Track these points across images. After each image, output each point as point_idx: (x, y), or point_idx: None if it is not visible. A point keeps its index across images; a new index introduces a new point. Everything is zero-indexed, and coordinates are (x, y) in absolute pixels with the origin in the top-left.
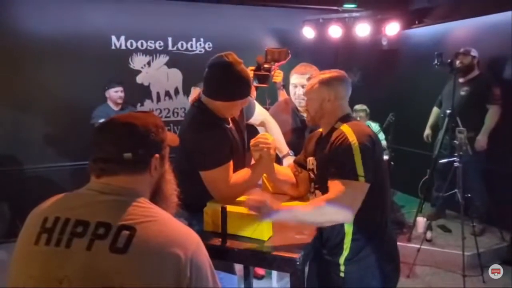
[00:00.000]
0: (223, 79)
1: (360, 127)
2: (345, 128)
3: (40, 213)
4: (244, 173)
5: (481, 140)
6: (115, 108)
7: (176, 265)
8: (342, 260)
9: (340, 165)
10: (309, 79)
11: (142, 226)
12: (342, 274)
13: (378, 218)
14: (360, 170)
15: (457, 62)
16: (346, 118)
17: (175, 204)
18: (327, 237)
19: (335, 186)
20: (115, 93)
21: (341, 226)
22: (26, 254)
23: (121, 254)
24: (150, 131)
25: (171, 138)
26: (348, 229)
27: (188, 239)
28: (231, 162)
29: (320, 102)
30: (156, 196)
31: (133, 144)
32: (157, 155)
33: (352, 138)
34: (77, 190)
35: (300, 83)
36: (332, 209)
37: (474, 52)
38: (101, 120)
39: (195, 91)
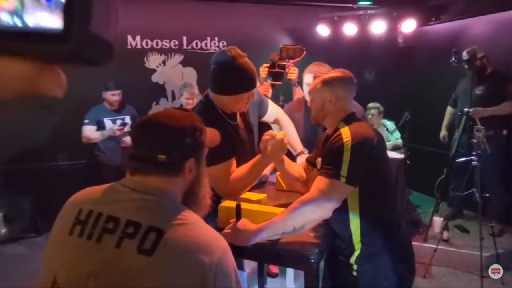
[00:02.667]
0: (227, 73)
1: (359, 129)
2: (344, 129)
3: (75, 204)
4: (243, 169)
5: (480, 111)
6: (112, 108)
7: (201, 272)
8: (353, 259)
9: (327, 163)
10: (315, 78)
11: (171, 229)
12: (355, 273)
13: (388, 218)
14: (344, 170)
15: (476, 61)
16: (350, 119)
17: (207, 207)
18: (337, 235)
19: (316, 184)
20: (112, 97)
21: (347, 225)
22: (60, 243)
23: (147, 256)
24: (186, 134)
25: (211, 139)
26: (355, 229)
27: (215, 245)
28: (232, 160)
29: (322, 102)
30: (188, 198)
31: (167, 146)
32: (192, 158)
33: (347, 139)
34: (112, 184)
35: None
36: (308, 208)
37: (480, 53)
38: (91, 125)
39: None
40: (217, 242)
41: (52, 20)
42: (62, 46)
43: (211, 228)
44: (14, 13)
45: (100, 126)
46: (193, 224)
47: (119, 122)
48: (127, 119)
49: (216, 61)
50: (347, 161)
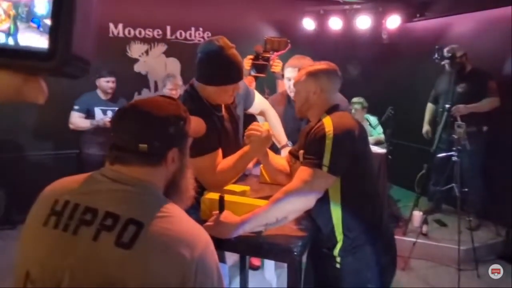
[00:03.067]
0: (214, 63)
1: (341, 119)
2: (326, 120)
3: (50, 194)
4: (229, 160)
5: (462, 108)
6: (104, 98)
7: (181, 267)
8: (336, 252)
9: (309, 153)
10: (299, 70)
11: (151, 222)
12: (338, 266)
13: (370, 210)
14: (326, 160)
15: (458, 55)
16: (332, 110)
17: (190, 199)
18: (319, 228)
19: (299, 174)
20: (106, 84)
21: (328, 217)
22: (35, 235)
23: (125, 250)
24: (169, 123)
25: (196, 129)
26: (337, 221)
27: (196, 239)
28: (217, 151)
29: (306, 94)
30: (171, 190)
31: (149, 135)
32: (175, 148)
33: (329, 129)
34: (91, 174)
35: (294, 76)
36: (291, 199)
37: (460, 52)
38: (80, 112)
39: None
40: (199, 236)
41: (40, 41)
42: (47, 64)
43: (194, 221)
44: (8, 33)
45: (90, 115)
46: (174, 217)
47: (109, 113)
48: None
49: (203, 50)
50: (329, 151)
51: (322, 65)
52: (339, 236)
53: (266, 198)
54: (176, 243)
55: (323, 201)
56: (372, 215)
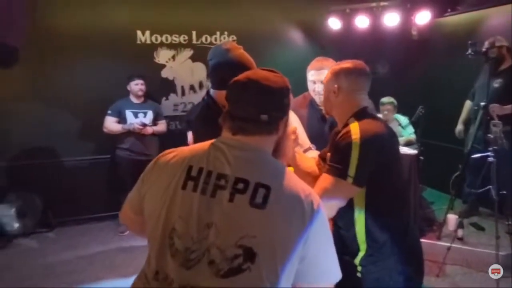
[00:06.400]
0: (222, 66)
1: (370, 125)
2: (354, 125)
3: (181, 161)
4: None
5: (496, 108)
6: (137, 101)
7: (303, 218)
8: (358, 260)
9: (335, 161)
10: (321, 72)
11: (276, 184)
12: (359, 275)
13: (396, 219)
14: (351, 170)
15: (492, 51)
16: (361, 114)
17: (290, 158)
18: (342, 235)
19: (322, 182)
20: (136, 86)
21: (351, 224)
22: (174, 196)
23: (260, 209)
24: (284, 95)
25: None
26: (360, 229)
27: (313, 194)
28: None
29: (328, 93)
30: (276, 153)
31: (270, 106)
32: (286, 116)
33: (355, 136)
34: (212, 143)
35: (318, 79)
36: None
37: (500, 42)
38: (112, 117)
39: None
40: (313, 193)
41: None
42: None
43: (304, 182)
44: None
45: (122, 118)
46: (292, 177)
47: (141, 115)
48: (149, 114)
49: (211, 55)
50: (355, 160)
51: (347, 63)
52: (362, 245)
53: None
54: (299, 199)
55: (347, 208)
56: (398, 224)
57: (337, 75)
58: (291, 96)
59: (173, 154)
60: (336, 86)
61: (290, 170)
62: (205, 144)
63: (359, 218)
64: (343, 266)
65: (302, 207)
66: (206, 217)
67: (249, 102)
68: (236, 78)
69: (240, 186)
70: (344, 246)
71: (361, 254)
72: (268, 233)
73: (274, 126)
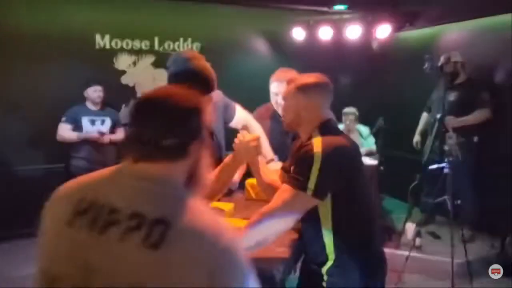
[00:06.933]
0: (181, 75)
1: (333, 139)
2: (317, 139)
3: (73, 192)
4: (212, 173)
5: (452, 121)
6: (94, 108)
7: (207, 259)
8: (325, 270)
9: (296, 173)
10: (289, 82)
11: (177, 221)
12: (324, 284)
13: (362, 230)
14: (311, 183)
15: (447, 66)
16: (325, 128)
17: (206, 188)
18: (310, 245)
19: (281, 193)
20: (94, 93)
21: (319, 236)
22: (59, 234)
23: (154, 251)
24: (192, 116)
25: (207, 118)
26: (328, 240)
27: (222, 230)
28: None
29: (296, 109)
30: (190, 180)
31: (174, 130)
32: (197, 140)
33: (317, 149)
34: (110, 172)
35: (280, 91)
36: (269, 222)
37: (455, 57)
38: (67, 124)
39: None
40: (224, 228)
41: None
42: None
43: (216, 214)
44: None
45: (77, 126)
46: (199, 212)
47: (98, 123)
48: (107, 121)
49: (170, 63)
50: (316, 173)
51: (312, 78)
52: (330, 255)
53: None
54: (204, 238)
55: (314, 220)
56: (363, 237)
57: (307, 91)
58: (205, 115)
59: (67, 185)
60: (308, 102)
61: (199, 201)
62: (104, 172)
63: (326, 231)
64: (310, 274)
65: (206, 249)
66: (92, 260)
67: (149, 126)
68: (139, 97)
69: (134, 222)
70: (311, 255)
71: (329, 263)
72: (161, 280)
73: (182, 151)
